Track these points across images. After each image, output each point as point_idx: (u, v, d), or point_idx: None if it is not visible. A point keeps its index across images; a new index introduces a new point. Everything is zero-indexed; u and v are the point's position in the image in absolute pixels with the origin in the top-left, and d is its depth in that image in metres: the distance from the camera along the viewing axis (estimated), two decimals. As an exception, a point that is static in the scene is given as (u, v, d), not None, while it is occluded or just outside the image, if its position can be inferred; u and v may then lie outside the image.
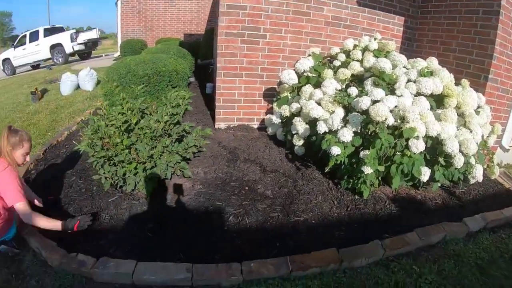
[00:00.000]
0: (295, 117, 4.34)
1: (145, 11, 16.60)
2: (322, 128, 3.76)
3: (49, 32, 17.86)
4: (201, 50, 11.94)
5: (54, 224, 2.88)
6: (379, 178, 3.62)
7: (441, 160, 3.54)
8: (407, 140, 3.35)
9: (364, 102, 3.49)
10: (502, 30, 4.48)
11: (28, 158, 3.04)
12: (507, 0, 4.43)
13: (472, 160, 3.66)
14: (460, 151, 3.46)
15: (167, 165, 3.32)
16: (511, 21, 4.56)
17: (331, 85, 4.28)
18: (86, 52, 18.77)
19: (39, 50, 17.46)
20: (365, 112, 3.49)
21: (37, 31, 17.81)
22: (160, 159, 3.27)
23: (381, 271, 2.67)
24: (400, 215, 3.40)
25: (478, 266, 2.76)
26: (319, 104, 4.08)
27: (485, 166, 4.02)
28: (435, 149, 3.54)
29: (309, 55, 5.14)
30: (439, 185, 3.79)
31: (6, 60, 18.02)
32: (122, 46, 15.40)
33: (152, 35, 16.78)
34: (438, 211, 3.51)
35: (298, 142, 4.29)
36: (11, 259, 2.87)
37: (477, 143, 3.53)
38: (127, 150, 3.19)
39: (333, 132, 3.64)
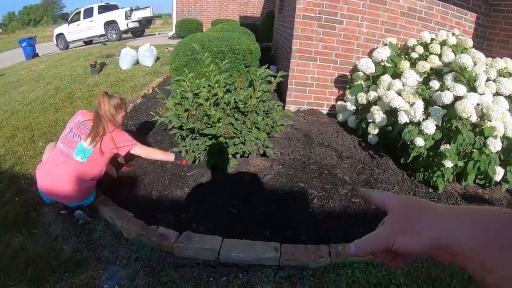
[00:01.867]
0: (373, 106, 4.27)
1: (202, -10, 16.68)
2: (403, 118, 3.69)
3: (103, 9, 18.38)
4: (260, 33, 11.97)
5: (168, 156, 3.47)
6: (454, 174, 3.54)
7: None
8: (486, 138, 3.29)
9: (447, 97, 3.40)
10: None
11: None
12: None
13: None
14: None
15: (256, 143, 3.31)
16: None
17: (411, 76, 4.19)
18: (139, 30, 19.15)
19: (93, 26, 17.94)
20: (447, 107, 3.43)
21: (92, 8, 18.29)
22: (249, 135, 3.25)
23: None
24: None
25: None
26: (399, 94, 3.99)
27: None
28: (509, 150, 3.44)
29: (385, 44, 5.02)
30: (507, 187, 3.68)
31: (60, 35, 18.53)
32: (177, 25, 15.60)
33: (207, 16, 16.93)
34: None
35: (374, 131, 4.22)
36: (81, 227, 2.93)
37: None
38: (218, 124, 3.19)
39: (415, 124, 3.58)
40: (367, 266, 2.52)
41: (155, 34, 21.21)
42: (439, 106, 3.52)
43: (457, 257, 0.48)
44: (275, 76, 3.41)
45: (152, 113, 4.23)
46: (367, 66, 4.62)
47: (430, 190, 3.56)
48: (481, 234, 0.47)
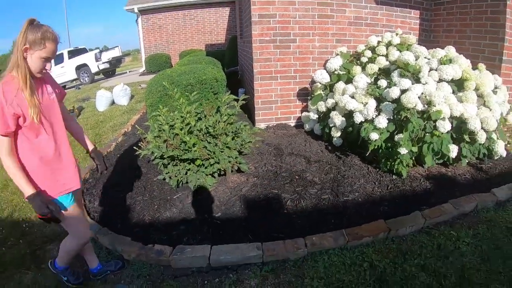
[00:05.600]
0: (332, 112, 4.74)
1: (166, 25, 17.25)
2: (358, 118, 4.19)
3: (73, 54, 18.57)
4: (226, 58, 12.45)
5: (25, 188, 2.11)
6: (413, 158, 3.98)
7: (466, 137, 3.92)
8: (435, 121, 3.75)
9: (394, 92, 3.91)
10: (511, 14, 4.84)
11: (48, 67, 2.20)
12: (512, -14, 4.77)
13: (494, 136, 4.05)
14: (482, 128, 3.85)
15: (229, 160, 3.72)
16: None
17: (361, 80, 4.68)
18: (110, 70, 19.41)
19: (65, 71, 18.17)
20: (396, 101, 3.93)
21: (62, 54, 18.44)
22: (222, 155, 3.67)
23: (423, 237, 3.01)
24: (434, 190, 3.73)
25: (508, 228, 3.06)
26: (352, 97, 4.49)
27: (506, 142, 4.36)
28: (459, 128, 3.92)
29: (337, 54, 5.53)
30: (467, 161, 4.14)
31: None
32: (147, 61, 16.03)
33: (174, 48, 17.44)
34: (468, 185, 3.82)
35: (336, 134, 4.70)
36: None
37: (496, 120, 3.93)
38: (194, 148, 3.59)
39: (369, 121, 4.05)
40: (341, 251, 2.90)
41: (126, 72, 21.45)
42: (389, 101, 4.02)
43: None
44: (237, 100, 3.87)
45: (135, 148, 4.60)
46: (322, 77, 5.11)
47: (395, 177, 3.98)
48: None
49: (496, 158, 4.23)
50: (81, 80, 17.84)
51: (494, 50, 5.03)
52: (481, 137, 3.84)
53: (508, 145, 4.44)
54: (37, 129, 2.18)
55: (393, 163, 3.94)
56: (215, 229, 3.34)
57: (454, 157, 3.90)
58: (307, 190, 3.79)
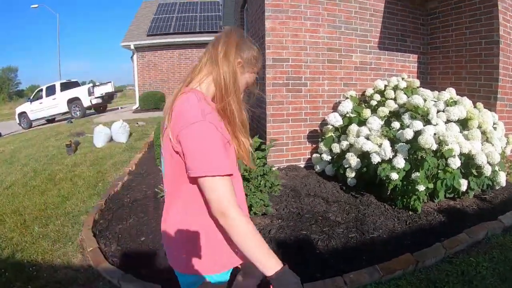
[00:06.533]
0: (348, 153, 4.90)
1: (161, 64, 17.45)
2: (375, 159, 4.39)
3: (65, 86, 18.40)
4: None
5: (269, 259, 1.33)
6: (427, 194, 4.21)
7: (473, 171, 4.25)
8: (446, 159, 4.01)
9: (408, 133, 4.19)
10: (503, 56, 5.27)
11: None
12: (504, 30, 5.21)
13: (497, 168, 4.36)
14: (488, 162, 4.15)
15: (260, 204, 3.80)
16: (509, 47, 5.34)
17: (375, 122, 4.90)
18: (102, 106, 19.12)
19: (57, 104, 17.94)
20: (409, 141, 4.21)
21: (54, 86, 18.42)
22: (254, 198, 3.73)
23: (447, 265, 3.18)
24: (447, 222, 3.97)
25: (518, 250, 3.38)
26: (367, 139, 4.70)
27: (506, 173, 4.67)
28: (467, 163, 4.23)
29: (346, 98, 5.74)
30: (473, 193, 4.46)
31: (23, 114, 18.48)
32: (141, 98, 16.01)
33: (168, 87, 17.55)
34: (476, 214, 4.10)
35: (351, 174, 4.86)
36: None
37: (499, 154, 4.24)
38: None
39: (386, 161, 4.28)
40: (377, 285, 3.00)
41: (118, 109, 21.25)
42: (403, 142, 4.27)
43: None
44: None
45: (144, 188, 4.60)
46: (335, 120, 5.30)
47: (411, 213, 4.17)
48: None
49: (497, 188, 4.58)
50: (72, 114, 17.57)
51: (489, 90, 5.41)
52: (487, 171, 4.15)
53: (507, 176, 4.76)
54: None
55: (408, 200, 4.14)
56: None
57: (464, 190, 4.20)
58: (334, 229, 3.90)
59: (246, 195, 3.71)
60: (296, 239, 3.77)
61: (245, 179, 3.81)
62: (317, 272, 3.26)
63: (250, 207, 3.81)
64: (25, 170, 7.74)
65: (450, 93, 4.87)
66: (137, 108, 17.46)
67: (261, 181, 3.82)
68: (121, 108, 21.61)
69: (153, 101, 15.72)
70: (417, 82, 5.68)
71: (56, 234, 4.38)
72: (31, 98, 19.06)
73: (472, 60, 5.76)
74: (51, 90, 18.29)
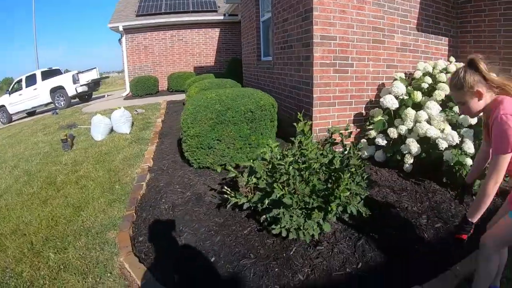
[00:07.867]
0: (408, 138, 4.61)
1: (152, 46, 16.36)
2: (443, 145, 4.21)
3: (47, 75, 16.87)
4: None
5: (477, 215, 2.27)
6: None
7: None
8: None
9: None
10: None
11: None
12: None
13: None
14: None
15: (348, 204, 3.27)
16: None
17: (435, 107, 4.59)
18: (87, 94, 17.78)
19: (38, 94, 16.47)
20: (472, 126, 4.19)
21: (34, 75, 16.81)
22: (341, 199, 3.12)
23: None
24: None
25: None
26: (428, 123, 4.48)
27: None
28: None
29: (395, 79, 5.39)
30: None
31: (1, 108, 17.01)
32: (132, 84, 15.09)
33: (161, 71, 16.60)
34: None
35: (410, 160, 4.61)
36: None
37: None
38: (313, 195, 3.11)
39: (454, 147, 4.15)
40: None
41: (105, 96, 19.84)
42: (466, 127, 4.18)
43: None
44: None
45: (179, 189, 4.07)
46: (392, 102, 4.94)
47: (474, 197, 3.86)
48: None
49: None
50: (56, 104, 16.09)
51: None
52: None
53: None
54: None
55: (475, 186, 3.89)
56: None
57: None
58: (418, 220, 3.61)
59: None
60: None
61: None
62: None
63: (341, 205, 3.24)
64: (16, 174, 6.56)
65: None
66: (127, 94, 16.35)
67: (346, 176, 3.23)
68: (108, 95, 20.16)
69: (146, 87, 14.85)
70: (463, 66, 5.39)
71: (83, 262, 3.34)
72: (9, 90, 17.52)
73: (506, 46, 5.67)
74: (31, 80, 16.70)
